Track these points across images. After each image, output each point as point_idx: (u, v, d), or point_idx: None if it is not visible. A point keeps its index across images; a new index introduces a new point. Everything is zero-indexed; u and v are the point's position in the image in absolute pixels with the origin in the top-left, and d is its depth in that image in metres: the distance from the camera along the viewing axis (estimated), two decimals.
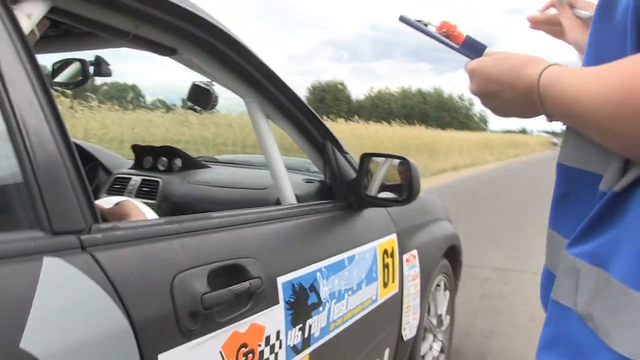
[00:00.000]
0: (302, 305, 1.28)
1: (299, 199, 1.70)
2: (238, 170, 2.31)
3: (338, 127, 17.53)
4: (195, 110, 1.72)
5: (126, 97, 17.89)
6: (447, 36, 0.98)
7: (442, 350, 2.66)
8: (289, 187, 1.64)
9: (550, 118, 0.70)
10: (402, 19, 0.94)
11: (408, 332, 2.07)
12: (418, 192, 1.58)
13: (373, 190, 1.73)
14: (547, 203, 0.74)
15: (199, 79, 1.77)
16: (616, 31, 0.63)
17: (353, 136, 15.21)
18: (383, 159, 1.73)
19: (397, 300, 1.94)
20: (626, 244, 0.57)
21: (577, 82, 0.62)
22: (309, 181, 1.96)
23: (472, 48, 0.86)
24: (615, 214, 0.60)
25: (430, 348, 2.52)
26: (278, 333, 1.18)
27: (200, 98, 1.71)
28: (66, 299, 0.74)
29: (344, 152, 1.77)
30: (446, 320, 2.71)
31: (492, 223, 8.29)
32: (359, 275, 1.61)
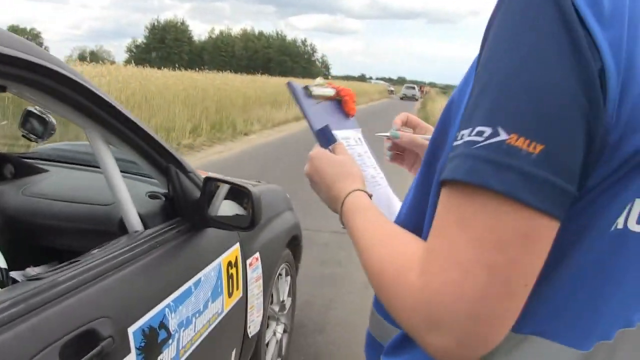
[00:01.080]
0: (152, 345, 1.35)
1: (143, 219, 1.72)
2: (78, 175, 2.24)
3: (181, 76, 16.98)
4: (29, 139, 1.64)
5: None
6: (340, 100, 1.09)
7: (285, 331, 2.86)
8: (133, 210, 1.66)
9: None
10: (288, 85, 1.02)
11: (253, 329, 2.22)
12: (259, 220, 1.69)
13: (217, 206, 1.81)
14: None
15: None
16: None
17: (196, 88, 14.85)
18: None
19: (241, 304, 2.06)
20: None
21: (364, 229, 0.75)
22: (152, 196, 1.97)
23: (325, 137, 0.98)
24: (409, 342, 0.74)
25: (274, 333, 2.70)
26: None
27: (35, 126, 1.64)
28: None
29: (187, 172, 1.82)
30: (288, 302, 2.91)
31: None
32: (205, 296, 1.70)
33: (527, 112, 0.53)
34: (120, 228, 1.80)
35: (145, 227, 1.68)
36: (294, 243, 2.91)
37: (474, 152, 0.55)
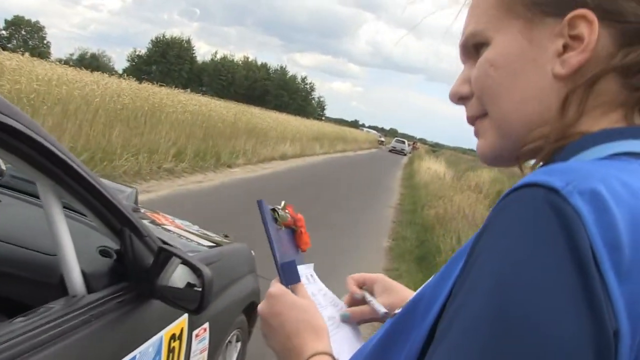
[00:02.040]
0: None
1: (88, 279, 1.60)
2: (31, 213, 2.10)
3: (174, 96, 16.84)
4: None
5: None
6: (294, 230, 0.99)
7: None
8: (77, 271, 1.54)
9: None
10: (259, 204, 0.91)
11: None
12: (208, 304, 1.58)
13: (169, 273, 1.70)
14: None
15: None
16: None
17: (185, 112, 14.74)
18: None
19: None
20: None
21: None
22: (104, 252, 1.85)
23: (289, 273, 0.86)
24: None
25: None
26: None
27: None
28: None
29: (142, 237, 1.71)
30: None
31: (307, 228, 8.55)
32: None
33: None
34: (62, 283, 1.68)
35: (89, 288, 1.56)
36: (251, 308, 2.78)
37: None
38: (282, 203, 0.97)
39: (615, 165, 0.54)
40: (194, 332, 1.99)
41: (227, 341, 2.48)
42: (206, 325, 2.09)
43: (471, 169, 32.63)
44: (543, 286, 0.45)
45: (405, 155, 54.42)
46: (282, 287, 0.84)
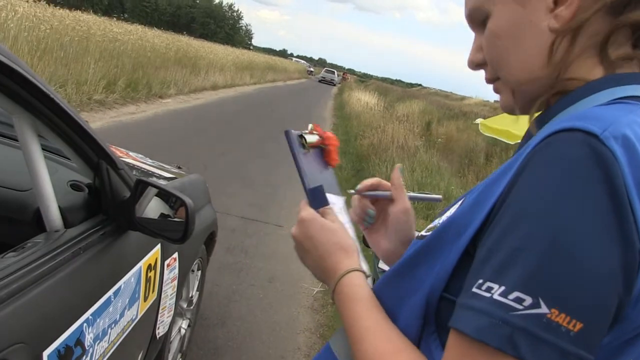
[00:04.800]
0: None
1: (63, 214, 1.61)
2: None
3: (100, 23, 15.94)
4: None
5: None
6: (322, 148, 1.03)
7: (188, 325, 2.80)
8: (55, 206, 1.54)
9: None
10: (286, 134, 0.95)
11: (161, 330, 2.15)
12: (192, 233, 1.62)
13: (144, 206, 1.72)
14: None
15: None
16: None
17: (115, 40, 14.05)
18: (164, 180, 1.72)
19: (154, 306, 1.99)
20: None
21: (355, 316, 0.74)
22: (75, 186, 1.85)
23: (317, 198, 0.90)
24: None
25: (179, 329, 2.64)
26: None
27: None
28: None
29: (118, 169, 1.71)
30: (196, 296, 2.84)
31: (244, 159, 8.57)
32: (122, 304, 1.62)
33: (571, 289, 0.53)
34: (35, 219, 1.68)
35: (66, 223, 1.57)
36: (210, 238, 2.85)
37: (510, 320, 0.53)
38: (310, 126, 1.02)
39: (631, 109, 0.61)
40: (166, 262, 2.04)
41: (190, 270, 2.54)
42: (175, 255, 2.14)
43: (400, 100, 33.12)
44: (585, 213, 0.54)
45: (334, 85, 54.24)
46: (312, 212, 0.88)
